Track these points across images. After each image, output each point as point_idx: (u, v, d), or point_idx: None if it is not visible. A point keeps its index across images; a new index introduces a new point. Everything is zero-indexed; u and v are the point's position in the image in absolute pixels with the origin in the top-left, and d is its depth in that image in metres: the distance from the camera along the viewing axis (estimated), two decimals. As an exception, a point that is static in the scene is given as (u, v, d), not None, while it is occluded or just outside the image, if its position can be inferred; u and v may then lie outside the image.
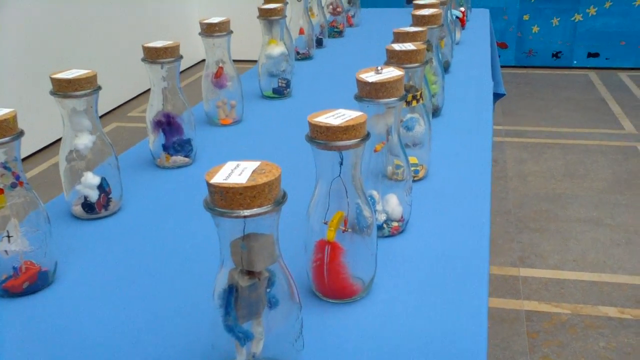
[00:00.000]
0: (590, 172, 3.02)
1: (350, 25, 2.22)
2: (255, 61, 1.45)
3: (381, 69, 0.77)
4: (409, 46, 0.92)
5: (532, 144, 3.40)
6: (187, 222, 0.86)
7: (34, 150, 3.41)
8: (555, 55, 4.88)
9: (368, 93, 0.74)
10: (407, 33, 1.03)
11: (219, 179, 0.48)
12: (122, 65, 4.10)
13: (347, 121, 0.62)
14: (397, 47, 0.91)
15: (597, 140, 3.42)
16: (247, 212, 0.47)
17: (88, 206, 0.86)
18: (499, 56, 4.88)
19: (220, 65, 1.18)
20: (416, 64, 0.90)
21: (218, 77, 1.18)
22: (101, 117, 3.98)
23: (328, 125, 0.61)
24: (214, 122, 1.23)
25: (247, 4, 5.08)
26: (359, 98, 0.75)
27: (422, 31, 1.04)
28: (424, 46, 0.92)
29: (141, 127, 3.67)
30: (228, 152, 1.11)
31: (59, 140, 0.82)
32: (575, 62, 4.87)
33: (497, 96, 2.51)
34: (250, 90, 1.45)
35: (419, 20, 1.17)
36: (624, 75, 4.67)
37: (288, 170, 0.99)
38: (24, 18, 3.26)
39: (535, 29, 4.84)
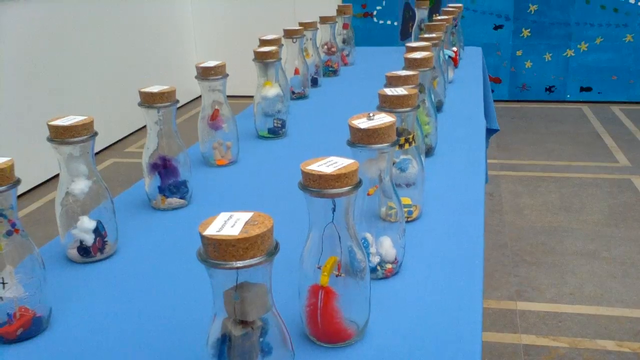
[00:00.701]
0: (586, 205, 3.03)
1: (345, 64, 2.25)
2: (251, 97, 1.47)
3: (373, 115, 0.78)
4: (400, 91, 0.94)
5: (527, 178, 3.42)
6: (183, 265, 0.87)
7: (30, 187, 3.41)
8: (549, 89, 4.94)
9: (360, 139, 0.76)
10: (400, 77, 1.05)
11: (212, 230, 0.49)
12: (120, 101, 4.14)
13: (339, 169, 0.63)
14: (389, 91, 0.93)
15: (592, 174, 3.45)
16: (240, 264, 0.48)
17: (83, 250, 0.86)
18: (493, 91, 4.95)
19: (216, 107, 1.20)
20: (408, 109, 0.92)
21: (214, 120, 1.20)
22: (98, 153, 4.01)
23: (320, 173, 0.62)
24: (210, 163, 1.25)
25: (243, 39, 5.15)
26: (351, 144, 0.77)
27: (414, 75, 1.06)
28: (416, 90, 0.94)
29: (139, 162, 3.69)
30: (224, 193, 1.12)
31: (56, 176, 0.82)
32: (568, 96, 4.93)
33: (491, 132, 2.54)
34: (246, 130, 1.46)
35: (411, 63, 1.19)
36: (616, 109, 4.73)
37: (282, 211, 1.01)
38: (23, 51, 3.31)
39: (528, 64, 4.91)
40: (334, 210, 0.65)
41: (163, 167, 1.03)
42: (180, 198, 1.05)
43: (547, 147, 3.94)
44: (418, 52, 1.24)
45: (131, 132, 4.37)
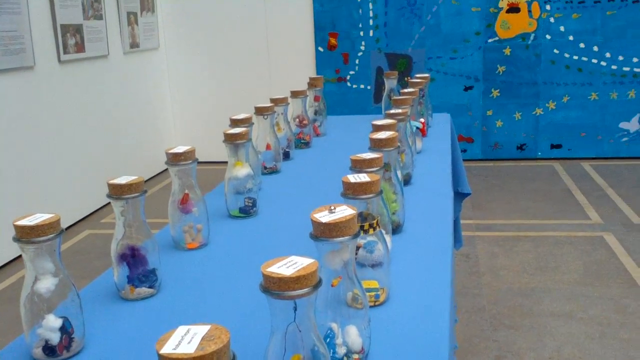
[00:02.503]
0: (561, 265, 3.06)
1: (317, 135, 2.30)
2: (223, 162, 1.47)
3: (334, 207, 0.81)
4: (363, 177, 0.96)
5: (503, 238, 3.46)
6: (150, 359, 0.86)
7: (0, 264, 3.36)
8: (520, 147, 5.06)
9: (322, 232, 0.77)
10: (364, 160, 1.08)
11: (168, 348, 0.50)
12: (94, 173, 4.14)
13: (298, 271, 0.65)
14: (352, 178, 0.96)
15: (566, 232, 3.50)
16: (196, 382, 0.48)
17: (49, 349, 0.86)
18: (465, 151, 5.06)
19: (186, 191, 1.22)
20: (372, 195, 0.95)
21: (184, 204, 1.21)
22: (74, 224, 3.97)
23: (280, 276, 0.64)
24: (180, 247, 1.25)
25: (221, 105, 5.24)
26: (314, 237, 0.78)
27: (378, 157, 1.09)
28: (378, 177, 0.97)
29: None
30: (193, 280, 1.12)
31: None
32: (539, 153, 5.04)
33: (463, 195, 2.58)
34: (218, 209, 1.48)
35: (376, 144, 1.22)
36: (586, 165, 4.84)
37: (254, 297, 1.00)
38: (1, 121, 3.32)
39: (499, 123, 5.04)
40: (295, 309, 0.66)
41: (131, 257, 1.03)
42: (149, 287, 1.05)
43: (521, 205, 4.00)
44: (383, 132, 1.28)
45: (107, 202, 4.36)
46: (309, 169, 1.87)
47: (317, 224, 0.78)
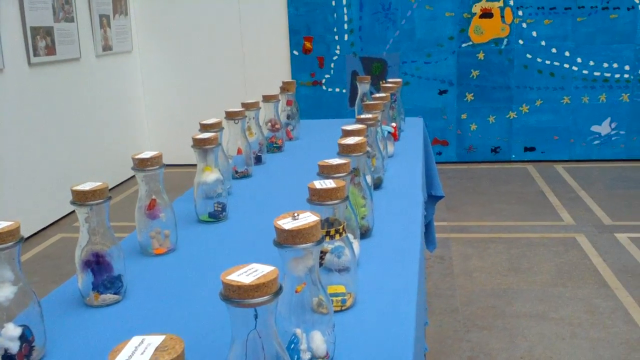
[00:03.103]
0: (534, 266, 3.10)
1: (290, 139, 2.29)
2: (194, 165, 1.44)
3: (297, 214, 0.80)
4: (329, 183, 0.96)
5: (477, 239, 3.49)
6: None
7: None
8: (494, 150, 5.11)
9: (285, 239, 0.77)
10: (332, 166, 1.08)
11: (121, 358, 0.49)
12: (67, 176, 4.09)
13: (258, 278, 0.64)
14: (318, 184, 0.96)
15: (539, 233, 3.54)
16: (148, 394, 0.48)
17: (9, 358, 0.84)
18: (440, 153, 5.10)
19: (153, 197, 1.20)
20: (337, 201, 0.95)
21: (151, 209, 1.20)
22: (46, 228, 3.92)
23: (239, 284, 0.63)
24: (147, 252, 1.24)
25: (197, 108, 5.21)
26: (277, 244, 0.78)
27: (345, 163, 1.09)
28: (344, 183, 0.97)
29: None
30: (160, 286, 1.11)
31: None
32: (513, 156, 5.10)
33: (436, 198, 2.60)
34: (187, 214, 1.47)
35: (344, 149, 1.23)
36: (559, 168, 4.91)
37: (218, 304, 1.00)
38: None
39: (474, 126, 5.09)
40: (256, 317, 0.66)
41: (96, 263, 1.02)
42: (115, 293, 1.04)
43: (494, 207, 4.04)
44: (352, 137, 1.28)
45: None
46: (280, 173, 1.87)
47: (280, 231, 0.78)
